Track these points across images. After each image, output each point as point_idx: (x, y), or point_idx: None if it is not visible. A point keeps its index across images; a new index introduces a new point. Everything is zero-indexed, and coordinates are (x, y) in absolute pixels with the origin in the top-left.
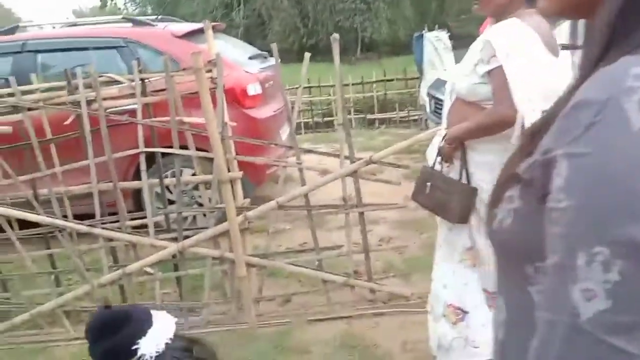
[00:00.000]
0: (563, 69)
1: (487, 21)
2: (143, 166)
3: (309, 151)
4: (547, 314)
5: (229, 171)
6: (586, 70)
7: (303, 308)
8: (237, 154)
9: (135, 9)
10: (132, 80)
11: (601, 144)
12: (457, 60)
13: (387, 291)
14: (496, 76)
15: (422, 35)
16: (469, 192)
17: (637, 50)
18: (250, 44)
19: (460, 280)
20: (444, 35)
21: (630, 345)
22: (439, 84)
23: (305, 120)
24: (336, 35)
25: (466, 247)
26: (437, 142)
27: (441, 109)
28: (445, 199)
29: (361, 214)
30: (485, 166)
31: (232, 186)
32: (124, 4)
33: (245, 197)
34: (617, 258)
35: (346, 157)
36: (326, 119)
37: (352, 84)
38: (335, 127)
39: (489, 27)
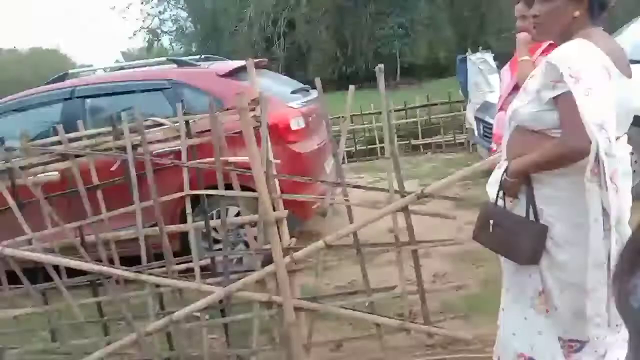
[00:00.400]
0: (637, 90)
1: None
2: (189, 209)
3: (357, 186)
4: None
5: (274, 210)
6: None
7: (356, 354)
8: (282, 190)
9: (181, 47)
10: (177, 122)
11: None
12: None
13: (446, 334)
14: (564, 102)
15: (465, 58)
16: (539, 230)
17: None
18: (291, 75)
19: (532, 328)
20: (488, 56)
21: None
22: (487, 107)
23: (348, 148)
24: (381, 66)
25: (538, 291)
26: (497, 176)
27: (491, 133)
28: (512, 239)
29: (414, 251)
30: (555, 201)
31: (277, 225)
32: (170, 43)
33: (291, 232)
34: None
35: (396, 192)
36: (369, 146)
37: (395, 110)
38: (378, 155)
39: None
